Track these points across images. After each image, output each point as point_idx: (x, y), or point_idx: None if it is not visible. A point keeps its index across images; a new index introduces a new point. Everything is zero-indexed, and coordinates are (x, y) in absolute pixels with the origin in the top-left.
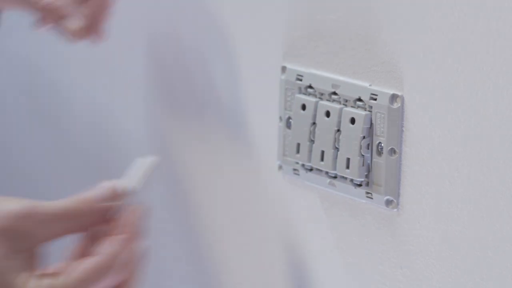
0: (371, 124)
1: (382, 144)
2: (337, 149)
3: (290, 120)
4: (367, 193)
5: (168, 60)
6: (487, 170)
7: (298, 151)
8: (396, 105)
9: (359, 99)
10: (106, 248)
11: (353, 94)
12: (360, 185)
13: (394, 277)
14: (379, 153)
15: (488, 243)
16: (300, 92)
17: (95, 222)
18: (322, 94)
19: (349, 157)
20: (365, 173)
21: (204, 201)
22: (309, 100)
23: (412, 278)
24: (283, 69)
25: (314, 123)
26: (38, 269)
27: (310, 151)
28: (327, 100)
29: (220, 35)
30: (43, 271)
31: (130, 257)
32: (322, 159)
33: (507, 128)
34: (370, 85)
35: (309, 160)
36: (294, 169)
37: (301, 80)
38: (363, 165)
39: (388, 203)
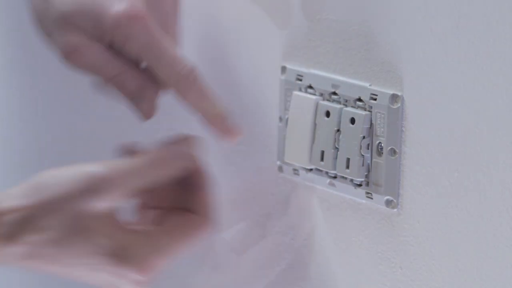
0: (371, 124)
1: (382, 144)
2: (337, 149)
3: None
4: (367, 193)
5: None
6: (487, 170)
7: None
8: (396, 105)
9: (359, 99)
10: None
11: (353, 94)
12: (360, 185)
13: (394, 277)
14: (379, 153)
15: (488, 243)
16: (299, 92)
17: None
18: (322, 94)
19: (349, 157)
20: (365, 173)
21: None
22: None
23: (412, 278)
24: (283, 69)
25: (314, 123)
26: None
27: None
28: (327, 100)
29: (219, 35)
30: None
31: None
32: (322, 159)
33: (507, 128)
34: (370, 85)
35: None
36: (294, 169)
37: (301, 80)
38: (363, 165)
39: (388, 203)
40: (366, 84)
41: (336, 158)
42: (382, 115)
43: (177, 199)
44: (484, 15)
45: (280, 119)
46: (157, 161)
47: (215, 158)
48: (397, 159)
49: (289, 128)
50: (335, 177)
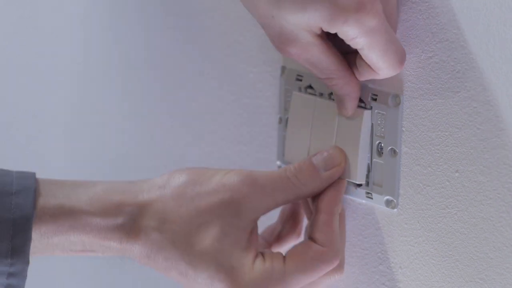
0: (371, 124)
1: (382, 144)
2: None
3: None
4: (367, 193)
5: (168, 60)
6: (487, 170)
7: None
8: (396, 105)
9: (359, 99)
10: (326, 237)
11: None
12: (360, 185)
13: (394, 277)
14: (379, 153)
15: (488, 243)
16: (299, 92)
17: (310, 192)
18: (322, 94)
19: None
20: (365, 173)
21: None
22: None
23: (412, 278)
24: (283, 69)
25: (314, 123)
26: (256, 247)
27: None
28: (327, 100)
29: (219, 35)
30: (261, 250)
31: (342, 239)
32: None
33: (507, 128)
34: (370, 85)
35: None
36: None
37: (301, 80)
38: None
39: (388, 203)
40: (366, 84)
41: None
42: (382, 115)
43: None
44: (485, 16)
45: (280, 119)
46: (302, 174)
47: (215, 157)
48: (397, 159)
49: (289, 128)
50: None
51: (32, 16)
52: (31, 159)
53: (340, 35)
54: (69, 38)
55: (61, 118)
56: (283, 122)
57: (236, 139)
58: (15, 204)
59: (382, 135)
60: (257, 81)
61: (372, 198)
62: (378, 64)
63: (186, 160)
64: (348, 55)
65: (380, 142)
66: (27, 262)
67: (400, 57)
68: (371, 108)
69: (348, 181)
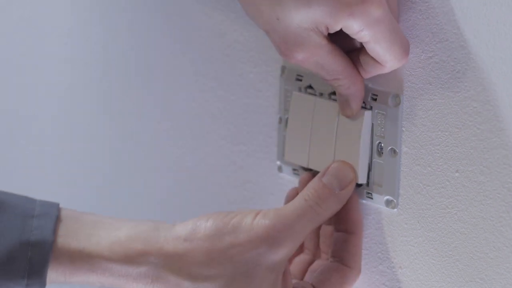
0: (371, 124)
1: (382, 144)
2: None
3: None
4: (367, 193)
5: (168, 60)
6: (487, 170)
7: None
8: (396, 105)
9: None
10: (354, 258)
11: None
12: (360, 185)
13: (394, 277)
14: (379, 153)
15: (488, 243)
16: (299, 92)
17: (331, 215)
18: (322, 94)
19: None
20: (366, 173)
21: (204, 201)
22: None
23: (412, 278)
24: (283, 69)
25: (314, 123)
26: (291, 283)
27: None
28: (327, 100)
29: (219, 35)
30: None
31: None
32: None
33: (507, 128)
34: (370, 85)
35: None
36: (294, 169)
37: (301, 80)
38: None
39: (388, 203)
40: (366, 84)
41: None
42: (382, 115)
43: (327, 242)
44: (485, 16)
45: (280, 119)
46: (323, 199)
47: (215, 157)
48: (397, 159)
49: (289, 128)
50: None
51: (32, 16)
52: (31, 159)
53: (346, 30)
54: (69, 38)
55: (61, 119)
56: (283, 122)
57: (236, 139)
58: (36, 226)
59: (382, 135)
60: (257, 81)
61: (372, 198)
62: (385, 56)
63: (186, 160)
64: (349, 55)
65: (380, 142)
66: (44, 284)
67: (405, 47)
68: (371, 108)
69: None
